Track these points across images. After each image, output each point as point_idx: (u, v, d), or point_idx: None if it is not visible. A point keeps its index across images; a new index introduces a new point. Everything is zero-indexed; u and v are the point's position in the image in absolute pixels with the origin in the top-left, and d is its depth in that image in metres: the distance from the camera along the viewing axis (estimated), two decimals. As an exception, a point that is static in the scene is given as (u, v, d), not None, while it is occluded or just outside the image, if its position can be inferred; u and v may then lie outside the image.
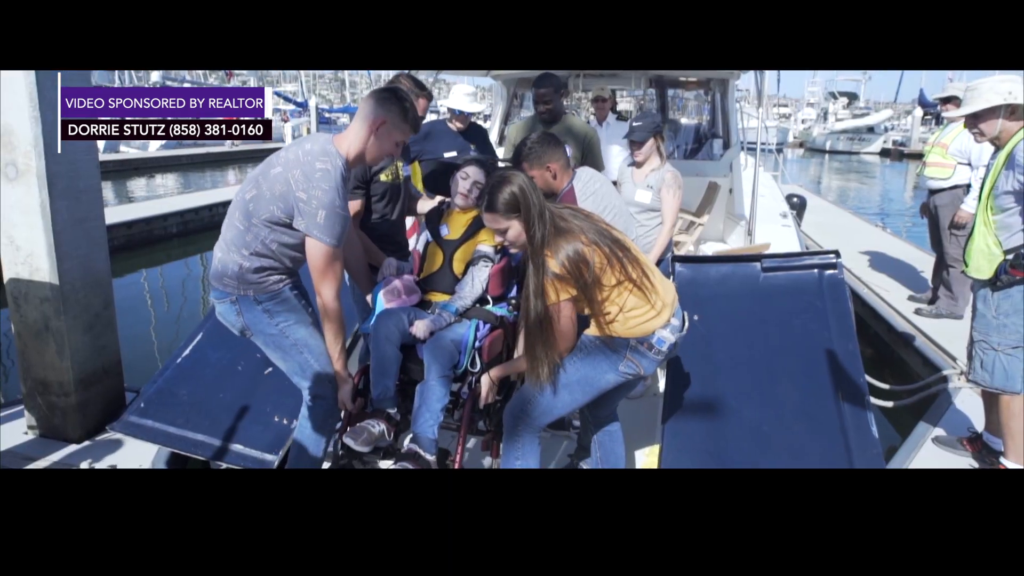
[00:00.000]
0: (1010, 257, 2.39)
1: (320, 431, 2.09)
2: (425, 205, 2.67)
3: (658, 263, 2.95)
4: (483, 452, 2.33)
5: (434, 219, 2.47)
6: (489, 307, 2.32)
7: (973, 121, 2.48)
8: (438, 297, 2.34)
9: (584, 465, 2.43)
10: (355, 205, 2.43)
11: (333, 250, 1.86)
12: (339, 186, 1.83)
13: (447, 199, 2.51)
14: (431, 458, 2.07)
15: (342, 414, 2.21)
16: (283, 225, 1.87)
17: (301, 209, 1.83)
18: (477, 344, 2.18)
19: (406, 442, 2.13)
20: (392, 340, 2.14)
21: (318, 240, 1.84)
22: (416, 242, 2.68)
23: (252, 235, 1.89)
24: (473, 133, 3.66)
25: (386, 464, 2.22)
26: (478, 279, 2.28)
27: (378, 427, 2.12)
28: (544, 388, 1.95)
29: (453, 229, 2.39)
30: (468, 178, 2.35)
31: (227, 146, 23.62)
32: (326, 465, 2.44)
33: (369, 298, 2.40)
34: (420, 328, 2.13)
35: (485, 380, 2.11)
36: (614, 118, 4.58)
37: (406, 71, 2.87)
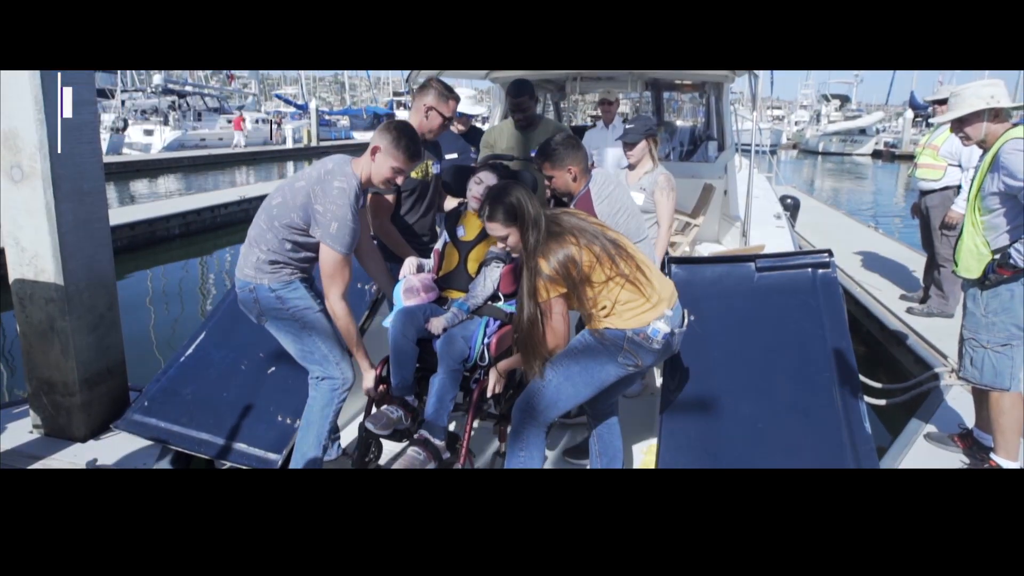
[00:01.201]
0: (998, 256, 2.44)
1: (326, 410, 2.30)
2: (452, 203, 2.82)
3: (662, 268, 3.00)
4: (492, 437, 2.50)
5: (452, 220, 2.59)
6: (500, 304, 2.43)
7: (959, 125, 2.54)
8: (454, 295, 2.49)
9: (586, 459, 2.49)
10: (379, 198, 2.58)
11: (342, 257, 2.12)
12: (352, 203, 2.09)
13: (465, 201, 2.61)
14: (440, 443, 2.26)
15: (365, 400, 2.43)
16: (299, 230, 2.14)
17: (317, 220, 2.10)
18: (486, 340, 2.32)
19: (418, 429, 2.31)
20: (409, 336, 2.32)
21: (330, 247, 2.10)
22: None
23: (272, 235, 2.16)
24: (473, 135, 3.73)
25: (401, 447, 2.43)
26: (490, 279, 2.40)
27: (396, 413, 2.33)
28: (548, 383, 2.03)
29: (469, 230, 2.51)
30: (482, 183, 2.45)
31: (235, 147, 23.67)
32: (341, 446, 2.62)
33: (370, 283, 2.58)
34: (435, 325, 2.31)
35: (492, 373, 2.25)
36: (620, 120, 4.63)
37: (433, 76, 2.96)
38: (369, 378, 2.34)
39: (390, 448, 2.68)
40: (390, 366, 2.37)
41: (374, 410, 2.39)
